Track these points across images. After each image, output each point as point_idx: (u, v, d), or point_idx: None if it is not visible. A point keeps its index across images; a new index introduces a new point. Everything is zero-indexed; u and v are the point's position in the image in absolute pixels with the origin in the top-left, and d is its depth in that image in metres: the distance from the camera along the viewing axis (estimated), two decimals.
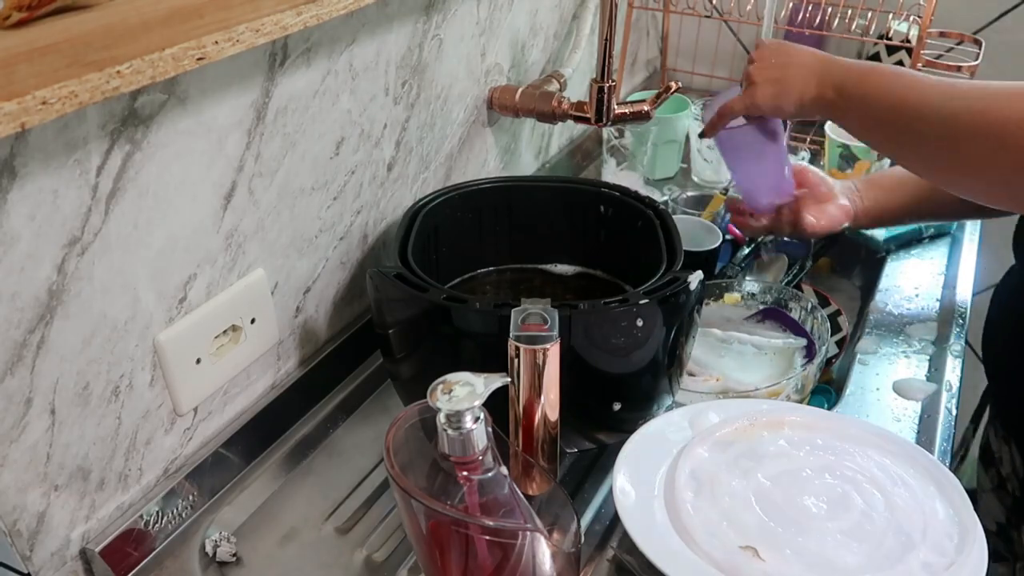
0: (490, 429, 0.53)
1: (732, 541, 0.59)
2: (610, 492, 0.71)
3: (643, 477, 0.65)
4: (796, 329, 0.89)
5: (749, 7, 1.26)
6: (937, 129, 0.65)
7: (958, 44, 1.24)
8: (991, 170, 0.63)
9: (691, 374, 0.83)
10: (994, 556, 0.60)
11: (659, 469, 0.66)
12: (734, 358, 0.85)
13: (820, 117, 0.80)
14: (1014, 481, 0.94)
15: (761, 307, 0.92)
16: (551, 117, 0.94)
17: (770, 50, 0.80)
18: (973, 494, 1.05)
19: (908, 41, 1.18)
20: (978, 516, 0.61)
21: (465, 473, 0.53)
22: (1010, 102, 0.61)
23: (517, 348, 0.55)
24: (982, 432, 1.04)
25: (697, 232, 0.95)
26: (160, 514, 0.65)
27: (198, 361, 0.66)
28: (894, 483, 0.64)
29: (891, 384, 0.82)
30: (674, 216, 0.77)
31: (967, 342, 0.89)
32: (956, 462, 1.11)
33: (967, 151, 0.63)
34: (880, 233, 1.04)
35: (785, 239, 1.09)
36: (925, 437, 0.75)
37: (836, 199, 0.90)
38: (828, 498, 0.63)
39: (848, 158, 1.11)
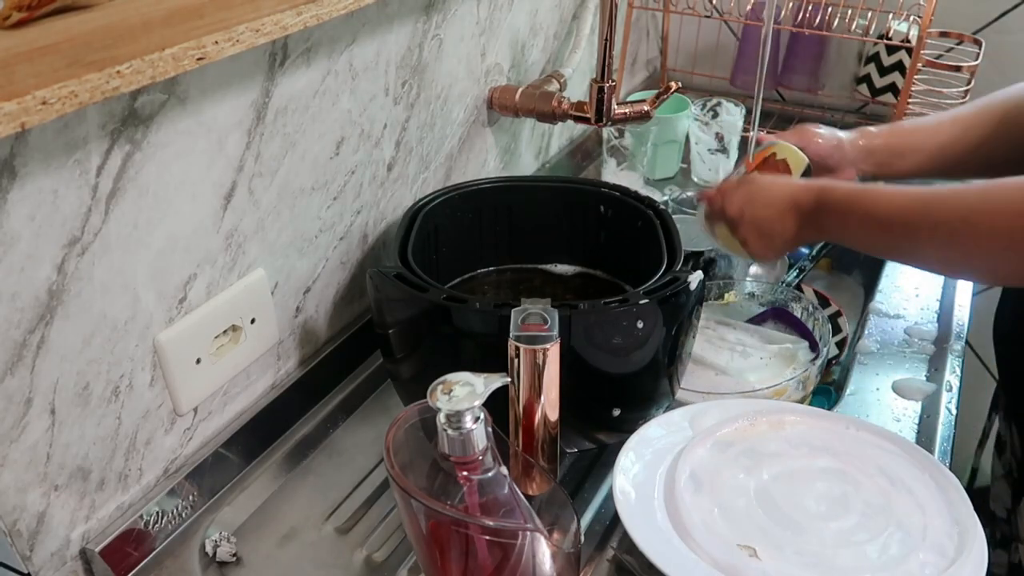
0: (490, 429, 0.53)
1: (732, 541, 0.59)
2: (610, 492, 0.71)
3: (643, 477, 0.65)
4: (800, 329, 0.89)
5: (749, 7, 1.26)
6: (912, 244, 0.69)
7: (958, 44, 1.24)
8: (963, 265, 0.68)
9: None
10: (1002, 543, 0.60)
11: (659, 469, 0.66)
12: (736, 356, 0.85)
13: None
14: (1013, 463, 0.95)
15: (763, 307, 0.92)
16: (551, 117, 0.94)
17: (739, 199, 0.79)
18: (984, 490, 1.05)
19: (908, 41, 1.18)
20: (990, 504, 0.61)
21: (465, 473, 0.53)
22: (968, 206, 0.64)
23: (517, 348, 0.55)
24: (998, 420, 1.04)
25: (697, 232, 0.95)
26: (160, 514, 0.65)
27: (198, 361, 0.66)
28: (893, 483, 0.64)
29: (891, 384, 0.82)
30: (674, 216, 0.77)
31: (967, 342, 0.89)
32: (976, 449, 1.12)
33: (937, 256, 0.68)
34: None
35: None
36: (925, 437, 0.75)
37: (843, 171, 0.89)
38: (828, 498, 0.63)
39: None
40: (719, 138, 1.17)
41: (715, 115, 1.19)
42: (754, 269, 1.04)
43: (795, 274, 1.03)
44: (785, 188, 0.77)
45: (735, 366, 0.84)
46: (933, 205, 0.66)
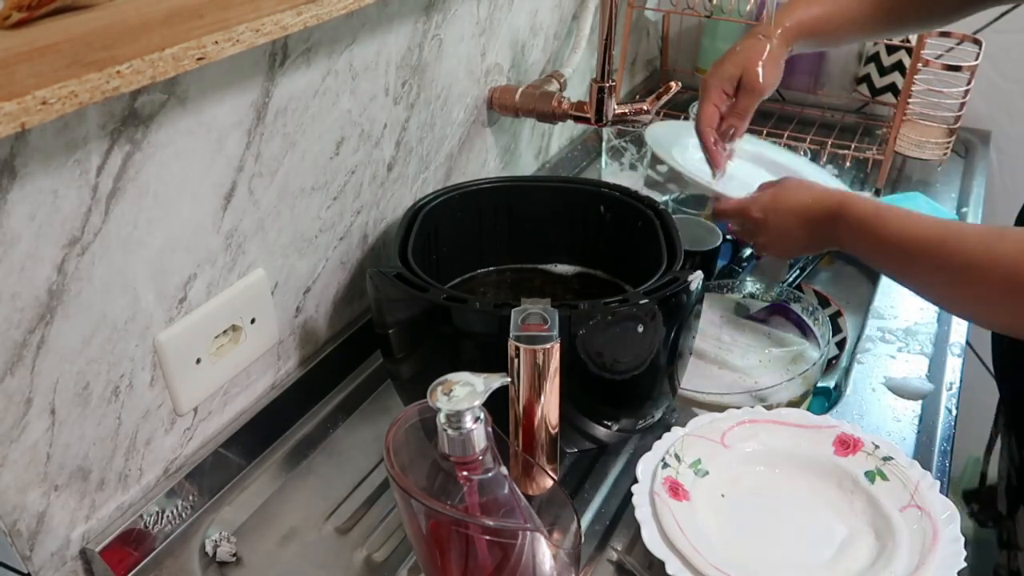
0: (490, 429, 0.53)
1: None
2: (610, 492, 0.71)
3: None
4: (800, 326, 0.89)
5: (749, 7, 1.26)
6: (940, 277, 0.68)
7: (958, 44, 1.24)
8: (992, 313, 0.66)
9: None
10: (1007, 544, 0.61)
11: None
12: (737, 355, 0.85)
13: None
14: (1012, 472, 0.95)
15: (765, 304, 0.92)
16: (551, 117, 0.94)
17: (765, 202, 0.82)
18: (975, 491, 1.06)
19: (908, 41, 1.18)
20: (998, 503, 0.62)
21: (465, 473, 0.53)
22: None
23: (517, 348, 0.55)
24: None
25: (697, 232, 0.95)
26: (160, 514, 0.65)
27: (198, 361, 0.66)
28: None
29: (890, 384, 0.82)
30: (674, 216, 0.77)
31: (968, 342, 0.89)
32: (985, 456, 1.12)
33: (968, 298, 0.67)
34: None
35: None
36: (925, 437, 0.75)
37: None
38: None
39: None
40: None
41: None
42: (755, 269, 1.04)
43: (796, 274, 1.03)
44: (806, 197, 0.79)
45: (736, 365, 0.84)
46: (940, 246, 0.66)
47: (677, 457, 0.68)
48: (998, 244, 0.62)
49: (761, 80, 0.90)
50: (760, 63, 0.90)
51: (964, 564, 0.58)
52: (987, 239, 0.63)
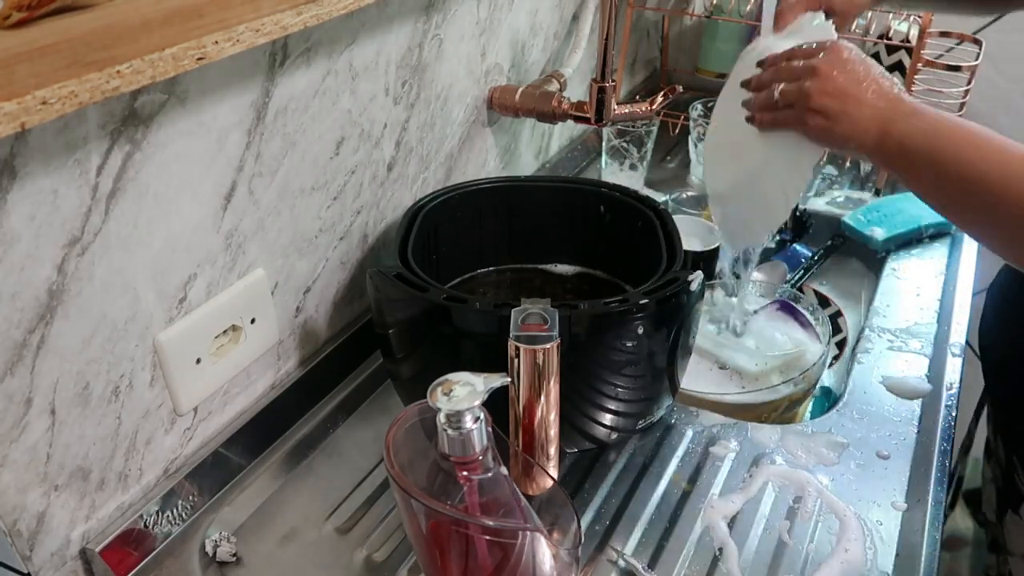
0: (490, 429, 0.53)
1: None
2: (610, 492, 0.71)
3: None
4: (803, 326, 0.89)
5: (749, 7, 1.26)
6: (1015, 211, 0.57)
7: (958, 44, 1.24)
8: None
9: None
10: (992, 547, 0.60)
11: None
12: (739, 355, 0.85)
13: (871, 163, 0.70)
14: (998, 472, 0.95)
15: (765, 304, 0.92)
16: (551, 117, 0.94)
17: (838, 70, 0.67)
18: (977, 492, 1.06)
19: (908, 41, 1.18)
20: (983, 508, 0.61)
21: (465, 473, 0.53)
22: None
23: (517, 348, 0.55)
24: (985, 426, 1.05)
25: (697, 232, 0.95)
26: (160, 514, 0.65)
27: (198, 361, 0.66)
28: None
29: (890, 384, 0.82)
30: (674, 216, 0.77)
31: (967, 342, 0.89)
32: (960, 455, 1.12)
33: None
34: (880, 233, 1.04)
35: (786, 240, 1.09)
36: (925, 437, 0.75)
37: None
38: None
39: None
40: None
41: None
42: (756, 275, 1.04)
43: (798, 275, 1.03)
44: (888, 95, 0.66)
45: (737, 365, 0.84)
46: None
47: None
48: None
49: None
50: None
51: None
52: None
